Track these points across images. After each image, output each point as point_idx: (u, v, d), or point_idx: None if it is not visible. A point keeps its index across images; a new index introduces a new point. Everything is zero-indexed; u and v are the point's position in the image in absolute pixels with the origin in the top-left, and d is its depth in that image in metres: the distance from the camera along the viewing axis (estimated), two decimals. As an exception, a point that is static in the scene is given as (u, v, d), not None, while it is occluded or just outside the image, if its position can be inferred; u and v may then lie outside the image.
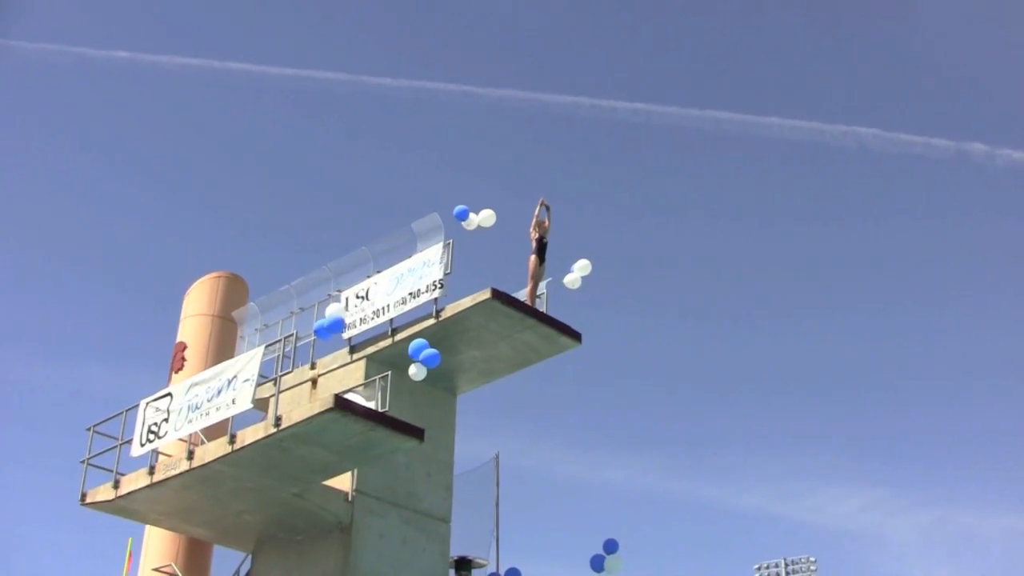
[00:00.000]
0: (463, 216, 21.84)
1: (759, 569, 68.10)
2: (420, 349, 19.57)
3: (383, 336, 21.94)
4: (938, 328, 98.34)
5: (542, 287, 22.34)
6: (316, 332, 21.01)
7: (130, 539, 24.78)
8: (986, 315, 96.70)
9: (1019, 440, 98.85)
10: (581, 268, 22.23)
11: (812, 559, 68.43)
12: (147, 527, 24.03)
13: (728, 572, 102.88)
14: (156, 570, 23.72)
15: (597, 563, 23.43)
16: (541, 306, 21.97)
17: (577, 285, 22.30)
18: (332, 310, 21.90)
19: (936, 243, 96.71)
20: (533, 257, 22.09)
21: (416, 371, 19.49)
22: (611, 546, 23.69)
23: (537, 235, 22.12)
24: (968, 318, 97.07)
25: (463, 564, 23.64)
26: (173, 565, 23.70)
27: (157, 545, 24.28)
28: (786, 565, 67.92)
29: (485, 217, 21.88)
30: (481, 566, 24.03)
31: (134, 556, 24.62)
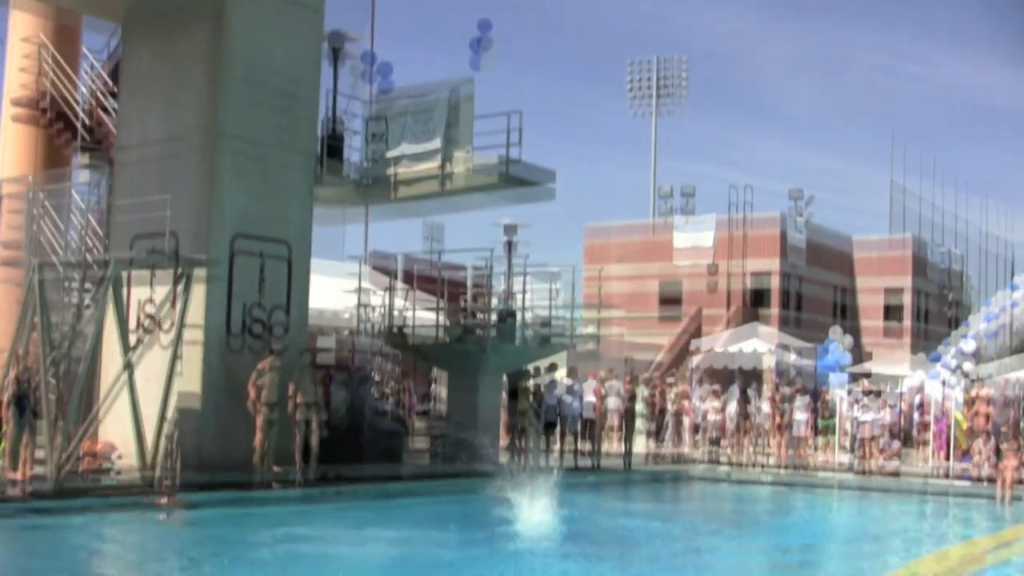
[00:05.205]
0: None
1: (631, 64, 69.39)
2: None
3: None
4: None
5: None
6: None
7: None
8: None
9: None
10: None
11: (684, 58, 69.84)
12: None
13: (602, 66, 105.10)
14: (24, 40, 23.66)
15: (476, 46, 24.05)
16: None
17: None
18: None
19: None
20: None
21: None
22: (484, 26, 24.14)
23: None
24: None
25: (336, 38, 23.83)
26: (42, 36, 23.56)
27: (24, 18, 24.03)
28: (658, 63, 69.19)
29: None
30: (353, 40, 24.36)
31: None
